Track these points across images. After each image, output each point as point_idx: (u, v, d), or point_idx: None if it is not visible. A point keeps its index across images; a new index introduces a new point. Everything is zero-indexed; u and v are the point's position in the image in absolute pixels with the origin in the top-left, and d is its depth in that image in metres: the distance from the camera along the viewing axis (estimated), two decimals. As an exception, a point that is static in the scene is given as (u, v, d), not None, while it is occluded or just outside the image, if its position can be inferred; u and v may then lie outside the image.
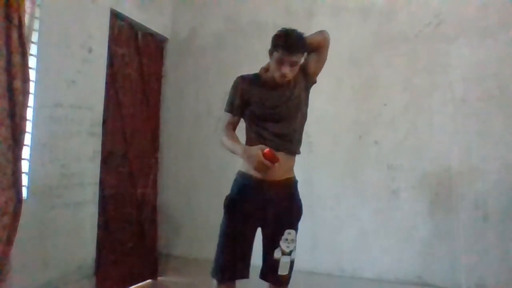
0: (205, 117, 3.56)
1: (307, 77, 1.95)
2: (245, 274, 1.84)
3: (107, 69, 2.99)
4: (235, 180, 1.92)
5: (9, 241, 2.11)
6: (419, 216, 2.88)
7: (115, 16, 3.11)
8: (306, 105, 1.98)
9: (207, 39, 3.64)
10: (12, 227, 2.13)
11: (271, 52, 1.83)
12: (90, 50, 2.81)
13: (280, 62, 1.78)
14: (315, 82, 2.00)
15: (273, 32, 1.86)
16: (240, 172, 1.91)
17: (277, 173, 1.81)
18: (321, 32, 1.94)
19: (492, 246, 2.68)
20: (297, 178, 3.21)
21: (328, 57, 3.19)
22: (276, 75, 1.81)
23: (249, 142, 1.91)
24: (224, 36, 3.57)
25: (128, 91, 3.31)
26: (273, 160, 1.70)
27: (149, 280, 3.43)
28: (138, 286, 3.30)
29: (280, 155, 1.78)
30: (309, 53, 1.91)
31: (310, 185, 3.18)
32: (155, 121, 3.64)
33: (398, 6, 3.08)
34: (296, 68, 1.83)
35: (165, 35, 3.71)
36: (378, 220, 2.97)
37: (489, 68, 2.80)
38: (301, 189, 3.16)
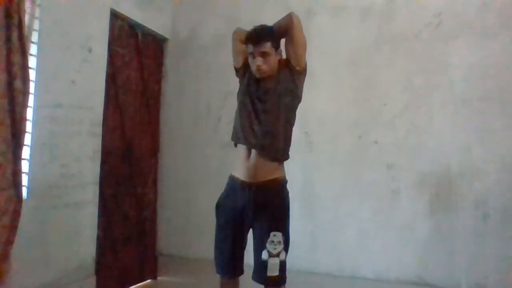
0: (205, 117, 3.56)
1: (292, 68, 1.92)
2: (238, 271, 1.94)
3: (107, 69, 2.99)
4: (226, 183, 1.99)
5: (9, 241, 2.11)
6: (419, 216, 2.88)
7: (115, 16, 3.11)
8: (294, 98, 1.96)
9: (207, 39, 3.64)
10: (12, 227, 2.13)
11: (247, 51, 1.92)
12: (90, 50, 2.81)
13: (252, 56, 1.88)
14: (302, 69, 1.94)
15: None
16: (230, 175, 1.97)
17: (261, 174, 1.85)
18: (288, 15, 1.92)
19: (492, 246, 2.68)
20: (296, 178, 3.20)
21: (328, 57, 3.22)
22: (253, 69, 1.89)
23: (234, 138, 1.97)
24: (224, 36, 3.54)
25: (128, 91, 3.31)
26: None
27: (149, 280, 3.43)
28: (138, 286, 3.30)
29: (262, 158, 1.86)
30: (286, 43, 1.93)
31: (310, 185, 3.19)
32: (155, 121, 3.65)
33: (398, 6, 3.08)
34: (270, 60, 1.87)
35: (165, 35, 3.71)
36: (378, 220, 2.97)
37: (489, 68, 2.80)
38: (301, 189, 3.19)
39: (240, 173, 1.89)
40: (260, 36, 1.86)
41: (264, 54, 1.85)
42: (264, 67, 1.86)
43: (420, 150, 2.92)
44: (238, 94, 2.05)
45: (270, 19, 2.02)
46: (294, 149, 3.26)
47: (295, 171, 3.23)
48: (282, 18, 1.94)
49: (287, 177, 3.29)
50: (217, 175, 3.35)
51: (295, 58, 1.91)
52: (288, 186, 3.19)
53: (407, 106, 2.98)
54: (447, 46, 2.91)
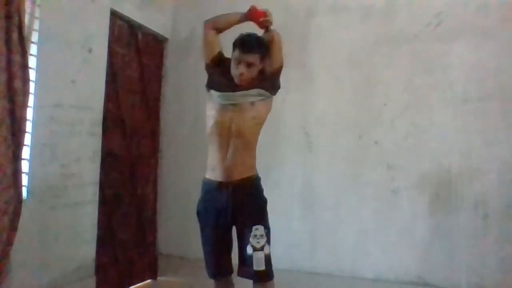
0: (205, 117, 3.55)
1: (266, 79, 1.94)
2: (228, 271, 1.98)
3: (107, 69, 2.99)
4: (201, 188, 2.03)
5: (9, 241, 2.11)
6: (419, 216, 2.88)
7: (115, 16, 3.11)
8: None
9: (207, 39, 3.63)
10: (12, 227, 2.13)
11: (232, 54, 1.90)
12: (90, 50, 2.81)
13: (237, 62, 1.86)
14: (274, 81, 1.97)
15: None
16: (204, 179, 2.01)
17: (235, 174, 1.89)
18: (270, 32, 1.96)
19: (492, 246, 2.69)
20: (296, 178, 3.20)
21: (328, 57, 3.22)
22: (234, 73, 1.88)
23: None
24: (224, 36, 3.55)
25: (128, 91, 3.30)
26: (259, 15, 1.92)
27: (149, 280, 3.43)
28: (138, 286, 3.30)
29: (235, 152, 1.89)
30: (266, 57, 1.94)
31: (310, 185, 3.19)
32: (155, 121, 3.64)
33: (398, 6, 3.08)
34: (253, 70, 1.87)
35: (165, 35, 3.71)
36: (378, 220, 2.97)
37: (489, 68, 2.80)
38: (301, 189, 3.19)
39: (216, 175, 1.93)
40: (251, 46, 1.85)
41: (250, 64, 1.85)
42: (246, 75, 1.86)
43: (420, 150, 2.92)
44: (209, 88, 2.01)
45: (270, 19, 2.01)
46: (294, 149, 3.29)
47: (295, 171, 3.24)
48: (265, 35, 1.97)
49: (286, 177, 3.30)
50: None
51: (271, 71, 1.94)
52: (288, 186, 3.21)
53: (407, 106, 2.98)
54: (447, 46, 2.91)
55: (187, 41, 3.71)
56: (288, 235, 3.07)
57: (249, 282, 1.90)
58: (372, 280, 2.92)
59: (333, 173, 3.14)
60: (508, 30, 2.78)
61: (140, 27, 3.41)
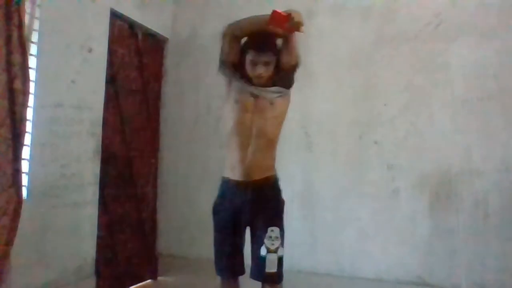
0: (205, 117, 3.56)
1: (282, 76, 1.92)
2: (239, 271, 1.96)
3: (107, 69, 2.99)
4: (219, 186, 2.01)
5: (9, 241, 2.12)
6: (419, 216, 2.88)
7: (115, 16, 3.11)
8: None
9: (207, 39, 3.63)
10: (12, 227, 2.13)
11: (244, 55, 1.90)
12: (90, 50, 2.81)
13: (253, 63, 1.85)
14: (290, 77, 1.94)
15: (273, 32, 1.86)
16: (222, 177, 2.00)
17: (255, 173, 1.88)
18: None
19: (492, 246, 2.68)
20: (296, 178, 3.20)
21: (328, 57, 3.22)
22: (252, 75, 1.87)
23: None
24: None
25: (128, 91, 3.31)
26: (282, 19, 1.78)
27: (149, 280, 3.43)
28: (138, 286, 3.31)
29: (256, 152, 1.87)
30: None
31: (310, 185, 3.19)
32: (155, 121, 3.64)
33: (398, 6, 3.08)
34: (270, 67, 1.86)
35: (165, 35, 3.71)
36: (378, 220, 2.97)
37: (489, 68, 2.80)
38: (301, 189, 3.19)
39: (235, 174, 1.91)
40: (265, 46, 1.85)
41: (267, 63, 1.85)
42: (265, 74, 1.86)
43: (420, 150, 2.92)
44: (230, 90, 2.00)
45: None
46: (294, 149, 3.29)
47: (295, 171, 3.24)
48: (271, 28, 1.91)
49: (286, 177, 3.28)
50: (217, 175, 3.32)
51: (286, 61, 1.90)
52: (288, 186, 3.18)
53: (407, 106, 2.98)
54: (447, 46, 2.91)
55: (187, 41, 3.71)
56: (288, 235, 3.06)
57: (255, 284, 1.89)
58: (372, 280, 2.92)
59: (333, 173, 3.14)
60: (508, 30, 2.78)
61: (140, 27, 3.41)
